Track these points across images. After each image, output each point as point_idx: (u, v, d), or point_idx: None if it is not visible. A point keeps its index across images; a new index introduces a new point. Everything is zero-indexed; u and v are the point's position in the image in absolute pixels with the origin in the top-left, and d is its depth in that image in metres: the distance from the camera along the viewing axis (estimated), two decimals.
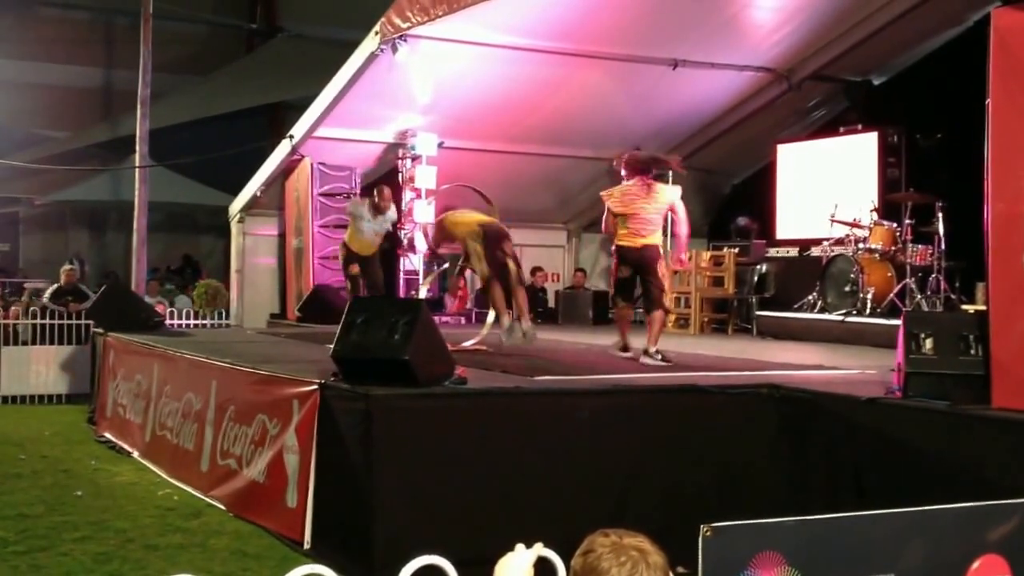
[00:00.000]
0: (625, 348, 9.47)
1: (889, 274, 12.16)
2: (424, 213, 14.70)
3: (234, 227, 16.85)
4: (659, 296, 9.27)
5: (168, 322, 14.30)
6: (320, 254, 15.51)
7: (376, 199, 12.73)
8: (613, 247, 9.38)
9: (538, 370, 8.11)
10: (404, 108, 14.55)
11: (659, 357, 8.86)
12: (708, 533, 2.54)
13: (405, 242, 15.00)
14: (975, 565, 2.87)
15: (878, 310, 11.90)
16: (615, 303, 9.78)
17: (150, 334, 11.77)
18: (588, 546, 2.55)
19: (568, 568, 2.65)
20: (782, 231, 15.56)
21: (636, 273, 9.21)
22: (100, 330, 12.53)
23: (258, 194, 16.22)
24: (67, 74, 23.86)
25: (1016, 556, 2.92)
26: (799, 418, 6.96)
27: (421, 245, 14.72)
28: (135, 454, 10.17)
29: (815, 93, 15.93)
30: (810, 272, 13.42)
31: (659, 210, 9.15)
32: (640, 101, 15.13)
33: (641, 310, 9.99)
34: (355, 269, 12.69)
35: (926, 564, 2.82)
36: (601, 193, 9.47)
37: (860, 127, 14.72)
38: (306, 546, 6.75)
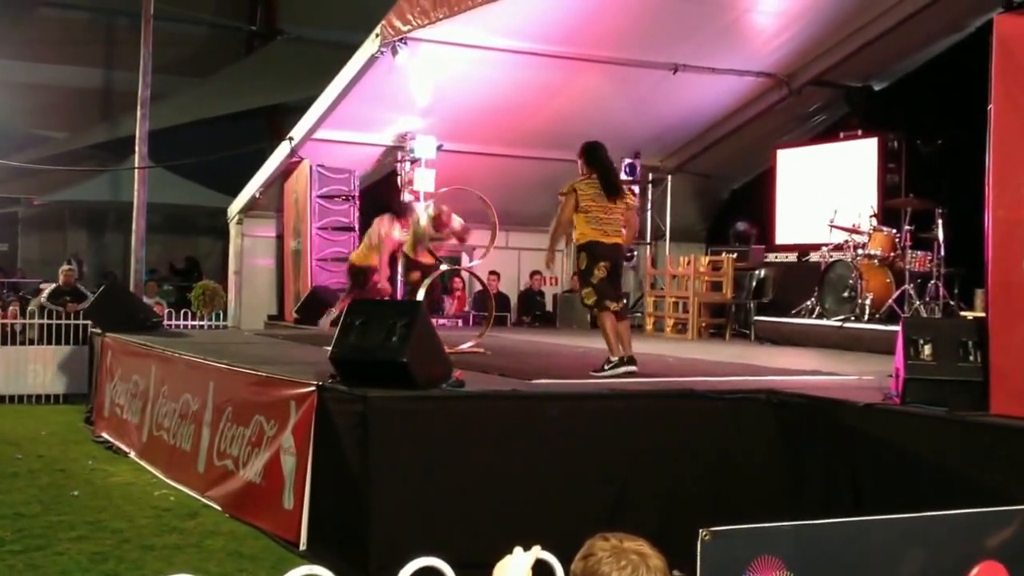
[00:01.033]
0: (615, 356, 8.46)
1: (888, 280, 12.15)
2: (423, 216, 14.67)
3: (232, 228, 16.84)
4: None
5: (166, 323, 14.29)
6: (318, 256, 15.50)
7: (434, 219, 11.28)
8: (576, 243, 8.36)
9: (536, 373, 8.09)
10: (403, 111, 14.55)
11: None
12: (707, 537, 2.53)
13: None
14: (974, 572, 2.87)
15: (876, 316, 11.89)
16: (602, 306, 8.29)
17: (148, 335, 11.77)
18: (588, 550, 2.54)
19: (567, 571, 2.65)
20: (781, 236, 15.55)
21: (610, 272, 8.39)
22: (98, 330, 12.52)
23: (257, 196, 16.21)
24: (67, 74, 23.84)
25: (1015, 563, 2.91)
26: (797, 423, 6.95)
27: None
28: (132, 454, 10.16)
29: (815, 98, 15.94)
30: (809, 277, 13.41)
31: (623, 214, 8.44)
32: (640, 105, 15.13)
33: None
34: (416, 276, 11.18)
35: (925, 570, 2.82)
36: (562, 193, 8.54)
37: (860, 133, 14.73)
38: (302, 547, 6.74)
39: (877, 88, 15.60)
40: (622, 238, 8.50)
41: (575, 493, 6.52)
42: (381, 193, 15.60)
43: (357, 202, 15.62)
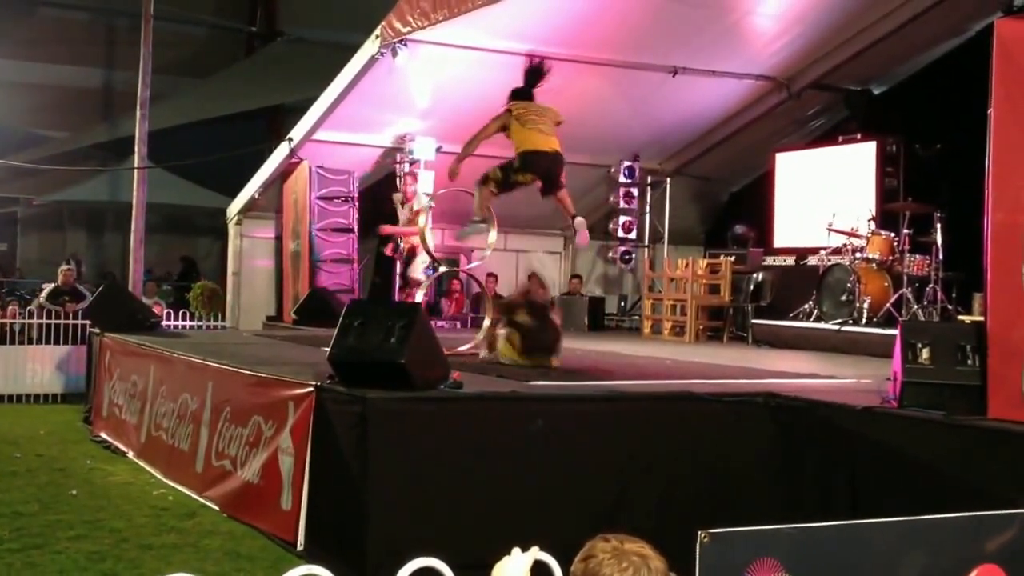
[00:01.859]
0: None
1: (886, 284, 12.16)
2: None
3: (231, 229, 16.83)
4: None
5: (165, 323, 14.29)
6: (317, 257, 15.48)
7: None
8: (516, 152, 8.93)
9: (534, 375, 8.09)
10: (403, 112, 14.54)
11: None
12: (706, 539, 2.53)
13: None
14: (973, 575, 2.87)
15: (874, 320, 11.90)
16: (486, 181, 9.18)
17: (147, 335, 11.76)
18: (588, 551, 2.54)
19: (566, 572, 2.65)
20: (779, 240, 15.56)
21: (542, 182, 8.90)
22: (97, 330, 12.52)
23: (256, 196, 16.21)
24: (67, 74, 23.85)
25: (1014, 566, 2.92)
26: (794, 426, 6.95)
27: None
28: (130, 454, 10.15)
29: (815, 102, 15.95)
30: (807, 281, 13.39)
31: (556, 122, 9.07)
32: (639, 108, 15.14)
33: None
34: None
35: (924, 573, 2.82)
36: (497, 116, 9.13)
37: (859, 136, 14.74)
38: (299, 548, 6.73)
39: (876, 92, 15.61)
40: (558, 143, 8.91)
41: (573, 494, 6.52)
42: (380, 194, 15.60)
43: (356, 203, 15.61)
